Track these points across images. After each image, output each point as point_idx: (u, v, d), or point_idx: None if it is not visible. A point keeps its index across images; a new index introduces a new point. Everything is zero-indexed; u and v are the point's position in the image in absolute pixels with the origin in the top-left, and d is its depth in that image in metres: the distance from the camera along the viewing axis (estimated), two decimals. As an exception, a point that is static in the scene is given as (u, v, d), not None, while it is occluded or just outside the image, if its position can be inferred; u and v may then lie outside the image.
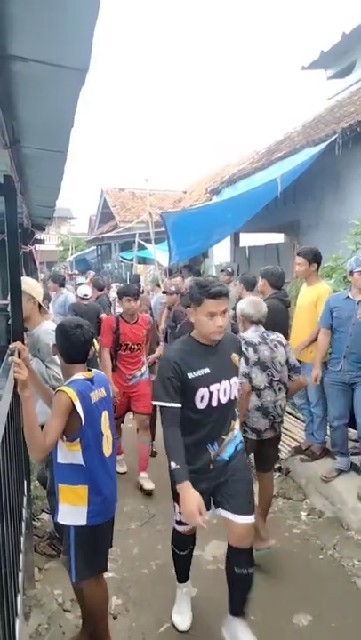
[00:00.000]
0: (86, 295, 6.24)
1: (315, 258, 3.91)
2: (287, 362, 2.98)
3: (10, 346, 2.19)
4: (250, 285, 4.92)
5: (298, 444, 4.36)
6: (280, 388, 2.95)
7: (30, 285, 2.98)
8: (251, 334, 3.00)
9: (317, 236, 6.93)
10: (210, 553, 3.16)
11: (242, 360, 2.71)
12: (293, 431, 4.99)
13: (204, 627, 2.53)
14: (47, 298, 5.40)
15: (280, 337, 3.06)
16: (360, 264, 3.43)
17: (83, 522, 2.07)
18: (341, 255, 4.99)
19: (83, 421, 2.01)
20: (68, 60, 1.61)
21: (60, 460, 2.07)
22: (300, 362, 3.28)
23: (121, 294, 4.07)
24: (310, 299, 3.92)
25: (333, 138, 6.27)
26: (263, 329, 3.05)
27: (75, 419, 2.00)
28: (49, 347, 2.65)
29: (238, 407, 2.60)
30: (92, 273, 8.98)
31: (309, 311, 3.91)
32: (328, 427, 4.14)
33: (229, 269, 7.02)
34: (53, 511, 2.21)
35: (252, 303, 3.09)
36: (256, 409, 2.92)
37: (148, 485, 3.98)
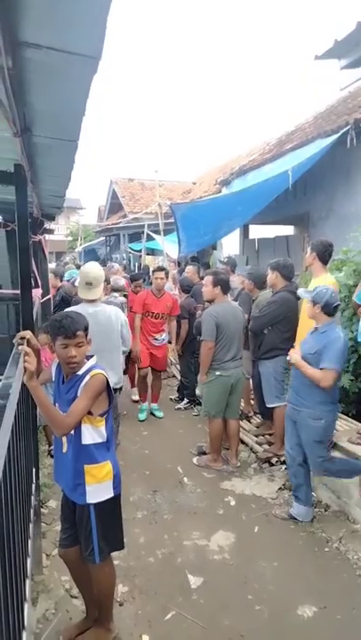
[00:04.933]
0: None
1: (325, 250, 3.91)
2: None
3: (17, 334, 2.15)
4: (261, 284, 4.84)
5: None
6: None
7: None
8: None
9: (328, 229, 6.86)
10: (216, 543, 3.18)
11: None
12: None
13: (209, 616, 2.56)
14: (107, 280, 5.37)
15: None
16: None
17: (110, 494, 2.19)
18: (352, 248, 4.94)
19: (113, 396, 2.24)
20: (80, 47, 1.58)
21: (88, 441, 2.14)
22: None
23: None
24: None
25: (346, 129, 6.18)
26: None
27: (106, 396, 2.17)
28: None
29: None
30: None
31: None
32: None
33: (231, 260, 6.88)
34: (76, 495, 2.21)
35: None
36: None
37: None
